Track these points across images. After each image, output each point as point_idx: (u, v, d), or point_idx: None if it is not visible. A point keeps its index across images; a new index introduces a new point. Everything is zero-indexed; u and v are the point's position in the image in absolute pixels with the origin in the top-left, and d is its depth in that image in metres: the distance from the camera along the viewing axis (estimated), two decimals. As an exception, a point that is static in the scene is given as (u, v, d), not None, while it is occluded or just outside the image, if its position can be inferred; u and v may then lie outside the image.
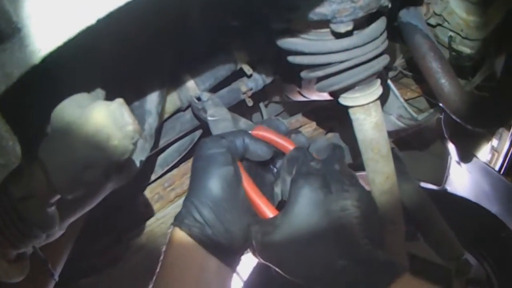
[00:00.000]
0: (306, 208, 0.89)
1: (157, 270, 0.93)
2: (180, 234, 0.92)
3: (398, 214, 1.12)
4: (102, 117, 0.71)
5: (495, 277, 1.94)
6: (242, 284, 1.91)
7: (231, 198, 0.94)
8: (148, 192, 1.34)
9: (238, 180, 0.96)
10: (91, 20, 0.59)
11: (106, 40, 0.84)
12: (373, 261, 0.85)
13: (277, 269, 0.92)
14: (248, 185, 0.97)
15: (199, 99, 1.15)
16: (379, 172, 1.05)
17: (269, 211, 0.95)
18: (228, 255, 0.94)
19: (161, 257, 0.94)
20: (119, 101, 0.73)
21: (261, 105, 1.51)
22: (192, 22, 1.18)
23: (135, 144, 0.74)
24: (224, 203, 0.93)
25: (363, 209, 0.91)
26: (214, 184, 0.93)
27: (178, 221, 0.93)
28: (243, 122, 1.10)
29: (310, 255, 0.88)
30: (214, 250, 0.91)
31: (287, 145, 1.04)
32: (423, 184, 2.31)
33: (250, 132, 1.04)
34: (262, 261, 0.95)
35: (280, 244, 0.90)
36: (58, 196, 0.76)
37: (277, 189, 1.07)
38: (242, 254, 1.00)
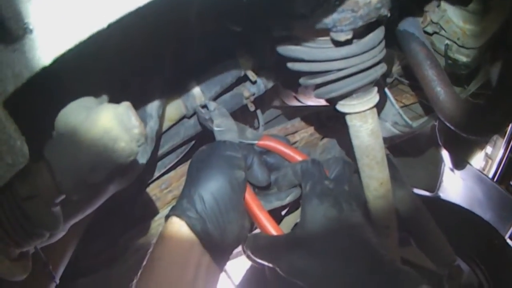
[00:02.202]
0: (323, 225, 0.92)
1: (149, 259, 0.91)
2: (180, 225, 0.92)
3: (392, 219, 1.14)
4: (109, 120, 0.72)
5: (487, 284, 1.95)
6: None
7: (235, 200, 0.96)
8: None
9: (244, 186, 0.99)
10: (102, 25, 0.61)
11: (110, 44, 0.85)
12: (396, 271, 0.87)
13: (303, 285, 0.92)
14: (252, 200, 1.01)
15: (205, 107, 1.16)
16: (374, 178, 1.06)
17: (274, 230, 0.99)
18: (219, 253, 0.96)
19: (154, 246, 0.93)
20: (126, 104, 0.75)
21: (258, 112, 1.52)
22: (195, 29, 1.19)
23: (140, 146, 0.76)
24: (229, 203, 0.94)
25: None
26: (226, 182, 0.94)
27: (179, 211, 0.93)
28: (249, 132, 1.12)
29: (337, 271, 0.89)
30: (209, 246, 0.93)
31: (295, 155, 1.08)
32: (416, 191, 2.33)
33: (257, 142, 1.09)
34: (286, 276, 0.94)
35: (305, 262, 0.91)
36: (63, 196, 0.77)
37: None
38: (231, 253, 1.01)
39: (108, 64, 0.94)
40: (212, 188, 0.93)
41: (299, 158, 1.09)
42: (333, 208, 0.93)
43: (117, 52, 0.95)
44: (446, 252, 1.55)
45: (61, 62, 0.63)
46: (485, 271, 1.97)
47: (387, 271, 0.87)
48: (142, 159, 1.07)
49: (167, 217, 0.96)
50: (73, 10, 0.61)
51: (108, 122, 0.72)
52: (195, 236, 0.91)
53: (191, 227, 0.91)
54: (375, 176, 1.06)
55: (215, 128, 1.10)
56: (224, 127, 1.10)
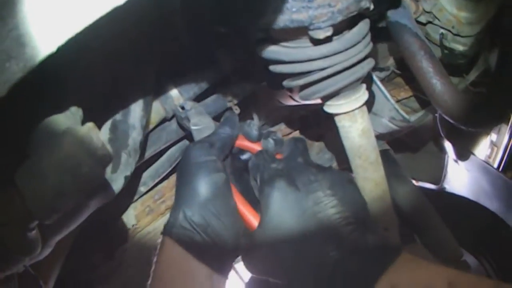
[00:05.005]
0: (279, 214, 0.87)
1: (149, 281, 0.91)
2: (169, 244, 0.90)
3: (390, 220, 1.10)
4: (71, 145, 0.70)
5: (496, 276, 1.93)
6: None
7: (221, 203, 0.92)
8: (139, 205, 1.33)
9: (228, 187, 0.95)
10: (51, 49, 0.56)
11: (89, 54, 0.82)
12: (363, 247, 0.82)
13: (270, 278, 0.90)
14: (234, 193, 0.97)
15: (182, 108, 1.15)
16: (369, 179, 1.03)
17: (254, 220, 0.95)
18: (218, 262, 0.93)
19: (152, 268, 0.92)
20: (89, 126, 0.73)
21: (255, 115, 1.49)
22: (176, 31, 1.16)
23: (105, 168, 0.73)
24: (214, 209, 0.91)
25: (340, 195, 0.88)
26: (204, 189, 0.91)
27: (166, 230, 0.91)
28: None
29: (298, 258, 0.85)
30: (204, 257, 0.90)
31: (257, 149, 1.04)
32: (421, 184, 2.30)
33: None
34: (253, 275, 0.94)
35: (264, 255, 0.88)
36: (36, 222, 0.75)
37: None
38: (233, 260, 0.98)
39: (86, 74, 0.91)
40: (193, 202, 0.90)
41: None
42: (287, 190, 0.88)
43: (96, 61, 0.93)
44: (451, 248, 1.51)
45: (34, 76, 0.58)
46: (492, 263, 1.95)
47: (352, 248, 0.82)
48: (126, 172, 1.04)
49: (160, 236, 0.94)
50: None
51: (69, 148, 0.70)
52: (188, 253, 0.89)
53: (182, 245, 0.89)
54: (369, 177, 1.03)
55: (192, 127, 1.08)
56: (201, 125, 1.08)
